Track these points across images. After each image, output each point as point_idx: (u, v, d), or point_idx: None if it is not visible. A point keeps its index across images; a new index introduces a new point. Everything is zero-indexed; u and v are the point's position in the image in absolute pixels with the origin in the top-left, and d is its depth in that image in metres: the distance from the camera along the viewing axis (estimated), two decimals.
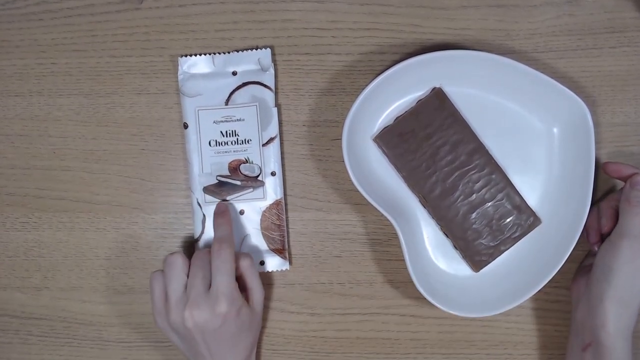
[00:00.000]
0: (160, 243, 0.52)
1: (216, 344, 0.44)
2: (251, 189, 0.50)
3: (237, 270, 0.46)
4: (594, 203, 0.49)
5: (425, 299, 0.47)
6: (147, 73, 0.51)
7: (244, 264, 0.46)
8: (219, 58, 0.50)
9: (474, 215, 0.49)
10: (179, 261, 0.45)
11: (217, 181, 0.50)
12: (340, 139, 0.47)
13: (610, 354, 0.44)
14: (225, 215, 0.48)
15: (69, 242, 0.52)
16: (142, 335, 0.52)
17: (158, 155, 0.51)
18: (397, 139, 0.48)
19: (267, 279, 0.52)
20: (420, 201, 0.50)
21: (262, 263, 0.50)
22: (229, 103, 0.49)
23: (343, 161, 0.46)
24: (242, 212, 0.50)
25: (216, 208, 0.49)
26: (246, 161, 0.50)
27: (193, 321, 0.43)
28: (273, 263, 0.50)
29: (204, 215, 0.50)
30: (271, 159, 0.50)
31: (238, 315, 0.44)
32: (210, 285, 0.44)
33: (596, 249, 0.47)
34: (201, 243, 0.50)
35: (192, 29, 0.50)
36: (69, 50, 0.51)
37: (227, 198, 0.50)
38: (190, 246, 0.52)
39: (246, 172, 0.50)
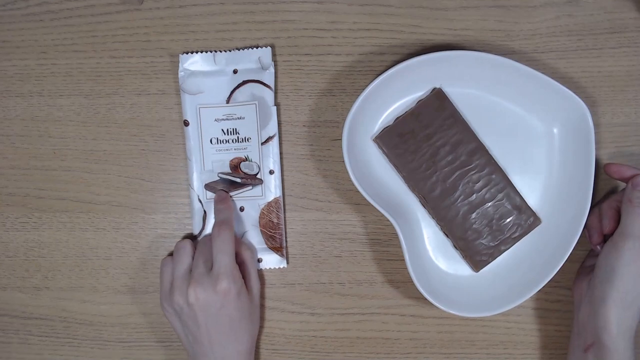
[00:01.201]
0: (160, 243, 0.52)
1: (216, 330, 0.45)
2: (250, 187, 0.50)
3: (238, 257, 0.47)
4: (595, 204, 0.49)
5: (425, 299, 0.47)
6: (148, 74, 0.51)
7: (246, 254, 0.48)
8: (220, 56, 0.50)
9: (474, 215, 0.49)
10: (187, 246, 0.47)
11: (218, 178, 0.50)
12: (341, 139, 0.47)
13: (612, 355, 0.43)
14: (226, 202, 0.49)
15: (69, 242, 0.52)
16: (142, 335, 0.52)
17: (158, 155, 0.51)
18: (397, 139, 0.48)
19: (267, 279, 0.52)
20: (420, 201, 0.50)
21: (260, 260, 0.51)
22: (230, 101, 0.50)
23: (343, 161, 0.46)
24: (242, 209, 0.50)
25: (216, 196, 0.50)
26: (246, 159, 0.50)
27: (196, 297, 0.44)
28: (270, 260, 0.51)
29: (204, 211, 0.50)
30: (270, 157, 0.50)
31: (238, 296, 0.45)
32: (212, 267, 0.46)
33: (599, 249, 0.47)
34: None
35: (193, 30, 0.50)
36: (69, 51, 0.51)
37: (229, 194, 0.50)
38: None
39: (246, 170, 0.50)
